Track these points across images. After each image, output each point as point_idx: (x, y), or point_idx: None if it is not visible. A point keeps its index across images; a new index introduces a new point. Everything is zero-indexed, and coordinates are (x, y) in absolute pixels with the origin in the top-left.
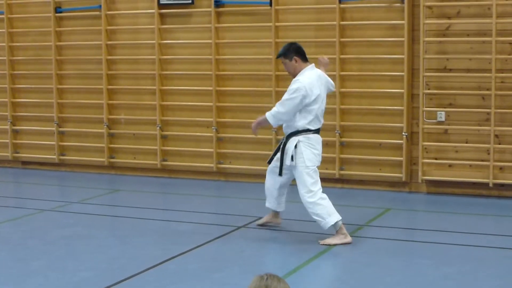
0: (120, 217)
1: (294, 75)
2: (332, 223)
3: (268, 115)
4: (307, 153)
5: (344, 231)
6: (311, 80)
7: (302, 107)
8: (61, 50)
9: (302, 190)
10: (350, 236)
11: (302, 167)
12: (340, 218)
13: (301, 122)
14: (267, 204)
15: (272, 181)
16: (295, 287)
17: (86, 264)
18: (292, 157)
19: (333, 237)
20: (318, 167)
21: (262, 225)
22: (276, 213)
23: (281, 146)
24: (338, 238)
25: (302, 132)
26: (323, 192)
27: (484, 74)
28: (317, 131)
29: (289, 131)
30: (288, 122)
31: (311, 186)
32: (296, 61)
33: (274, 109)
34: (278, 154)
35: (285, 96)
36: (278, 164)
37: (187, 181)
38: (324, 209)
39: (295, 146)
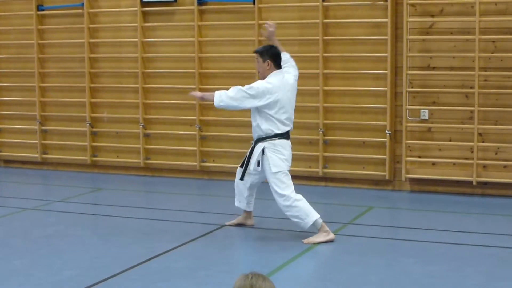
0: (103, 215)
1: (262, 76)
2: (311, 223)
3: (217, 92)
4: (273, 159)
5: (326, 228)
6: (275, 84)
7: (257, 108)
8: (44, 48)
9: (275, 196)
10: (333, 234)
11: (270, 174)
12: (319, 216)
13: (264, 126)
14: (237, 204)
15: (243, 181)
16: (279, 286)
17: (69, 263)
18: (258, 162)
19: (316, 236)
20: (301, 165)
21: (234, 225)
22: (248, 214)
23: (250, 151)
24: (321, 236)
25: (268, 138)
26: (301, 192)
27: (467, 72)
28: (284, 136)
29: (256, 135)
30: (254, 126)
31: (282, 191)
32: (268, 64)
33: (227, 91)
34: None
35: (244, 87)
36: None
37: (170, 180)
38: (300, 210)
39: (262, 152)
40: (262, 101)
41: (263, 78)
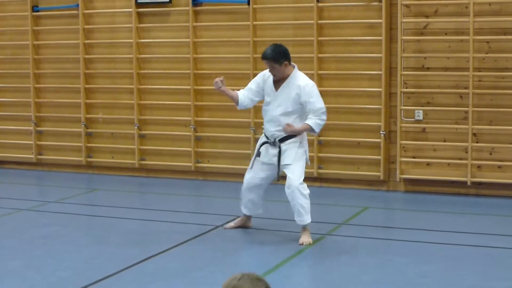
0: (98, 216)
1: (281, 78)
2: (308, 221)
3: (314, 125)
4: (307, 150)
5: (309, 228)
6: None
7: (302, 106)
8: (39, 49)
9: (295, 179)
10: (329, 234)
11: (302, 158)
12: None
13: (300, 123)
14: (245, 211)
15: (256, 194)
16: (274, 286)
17: (63, 263)
18: (290, 156)
19: (304, 236)
20: None
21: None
22: (248, 217)
23: (277, 149)
24: (309, 235)
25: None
26: None
27: (462, 73)
28: None
29: (284, 134)
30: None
31: (302, 177)
32: (285, 65)
33: (319, 118)
34: (267, 163)
35: (317, 102)
36: (265, 175)
37: (165, 181)
38: (308, 205)
39: (298, 147)
40: None
41: (282, 77)
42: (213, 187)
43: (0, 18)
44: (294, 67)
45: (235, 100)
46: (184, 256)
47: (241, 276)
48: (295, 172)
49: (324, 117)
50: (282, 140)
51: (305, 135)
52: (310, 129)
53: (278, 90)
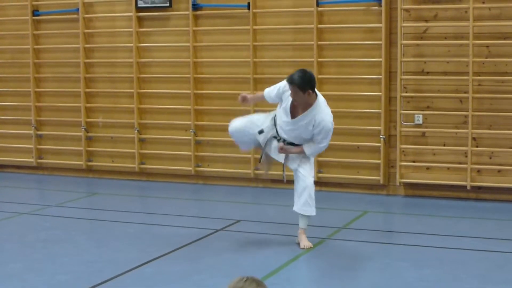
0: (98, 220)
1: (303, 105)
2: (314, 213)
3: (308, 153)
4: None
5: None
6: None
7: None
8: (39, 53)
9: (309, 174)
10: (329, 238)
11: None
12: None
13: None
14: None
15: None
16: None
17: (63, 267)
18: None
19: (305, 239)
20: None
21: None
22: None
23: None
24: (306, 238)
25: None
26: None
27: (461, 77)
28: None
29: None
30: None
31: (312, 178)
32: (309, 94)
33: (315, 147)
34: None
35: (324, 139)
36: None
37: (165, 184)
38: (314, 199)
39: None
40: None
41: (303, 105)
42: (213, 191)
43: (0, 22)
44: (317, 95)
45: (262, 99)
46: (184, 260)
47: (246, 279)
48: (307, 165)
49: (322, 150)
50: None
51: None
52: (303, 153)
53: (298, 117)
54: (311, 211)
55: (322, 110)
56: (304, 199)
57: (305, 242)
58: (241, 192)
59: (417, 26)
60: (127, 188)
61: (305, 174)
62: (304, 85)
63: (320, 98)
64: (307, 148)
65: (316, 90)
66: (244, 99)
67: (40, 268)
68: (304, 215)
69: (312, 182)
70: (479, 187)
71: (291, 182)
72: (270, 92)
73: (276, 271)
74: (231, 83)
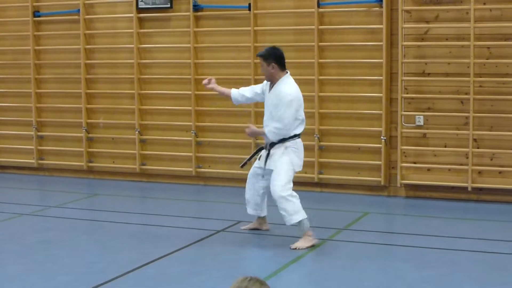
0: (99, 221)
1: (269, 79)
2: (296, 221)
3: (268, 133)
4: (292, 157)
5: (311, 233)
6: (296, 88)
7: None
8: (40, 54)
9: (277, 185)
10: (329, 239)
11: (286, 164)
12: (306, 217)
13: (291, 128)
14: (249, 211)
15: (253, 189)
16: None
17: (64, 268)
18: (274, 162)
19: (302, 241)
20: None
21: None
22: (262, 219)
23: (266, 152)
24: (307, 240)
25: (290, 138)
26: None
27: (462, 78)
28: (299, 136)
29: (281, 136)
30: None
31: (287, 183)
32: (273, 67)
33: (273, 125)
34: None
35: (281, 111)
36: (260, 165)
37: (166, 185)
38: (292, 206)
39: (282, 153)
40: (300, 106)
41: (270, 80)
42: (214, 192)
43: (1, 24)
44: (287, 72)
45: (227, 95)
46: (185, 261)
47: (250, 278)
48: (277, 179)
49: (279, 124)
50: (272, 145)
51: (294, 142)
52: (264, 134)
53: (267, 94)
54: (289, 220)
55: (286, 83)
56: (281, 214)
57: (297, 244)
58: (242, 193)
59: (418, 27)
60: (128, 189)
61: (274, 189)
62: (267, 56)
63: (289, 76)
64: (266, 128)
65: (287, 70)
66: (210, 81)
67: (41, 269)
68: (295, 224)
69: (280, 194)
70: (480, 189)
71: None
72: (248, 88)
73: (277, 272)
74: (232, 84)
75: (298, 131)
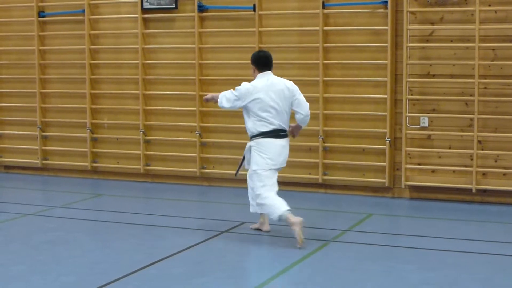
0: (103, 221)
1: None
2: (276, 218)
3: (220, 94)
4: (255, 158)
5: (292, 220)
6: (256, 85)
7: (245, 108)
8: (44, 55)
9: (250, 192)
10: (333, 240)
11: (251, 171)
12: (285, 209)
13: (250, 125)
14: (251, 209)
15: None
16: None
17: (68, 268)
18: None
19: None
20: (301, 172)
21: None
22: (263, 218)
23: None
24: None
25: (254, 136)
26: (301, 199)
27: (467, 80)
28: (269, 134)
29: (249, 134)
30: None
31: (257, 190)
32: (254, 70)
33: (228, 92)
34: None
35: (235, 89)
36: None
37: (171, 186)
38: (268, 208)
39: (250, 151)
40: (245, 102)
41: None
42: (218, 193)
43: (6, 24)
44: (264, 72)
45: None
46: (189, 262)
47: None
48: (249, 183)
49: (227, 95)
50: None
51: (256, 142)
52: (217, 98)
53: None
54: (277, 212)
55: (255, 80)
56: (265, 212)
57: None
58: (246, 194)
59: (423, 29)
60: (132, 190)
61: (253, 189)
62: (251, 59)
63: (261, 75)
64: (222, 93)
65: (269, 71)
66: (207, 100)
67: (45, 270)
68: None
69: (254, 197)
70: (485, 190)
71: (295, 184)
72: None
73: (281, 273)
74: (236, 84)
75: (261, 129)
